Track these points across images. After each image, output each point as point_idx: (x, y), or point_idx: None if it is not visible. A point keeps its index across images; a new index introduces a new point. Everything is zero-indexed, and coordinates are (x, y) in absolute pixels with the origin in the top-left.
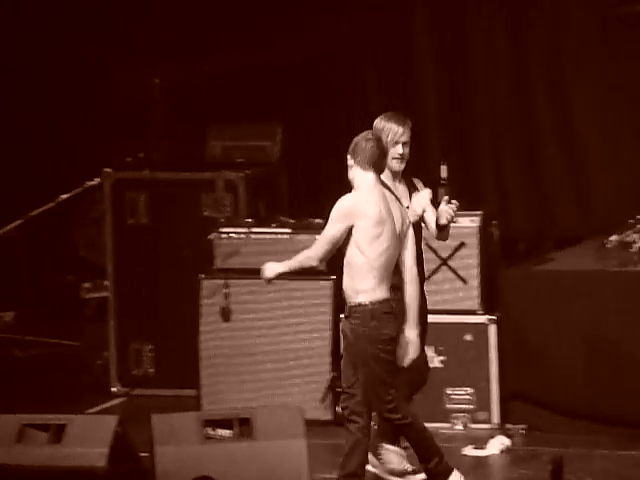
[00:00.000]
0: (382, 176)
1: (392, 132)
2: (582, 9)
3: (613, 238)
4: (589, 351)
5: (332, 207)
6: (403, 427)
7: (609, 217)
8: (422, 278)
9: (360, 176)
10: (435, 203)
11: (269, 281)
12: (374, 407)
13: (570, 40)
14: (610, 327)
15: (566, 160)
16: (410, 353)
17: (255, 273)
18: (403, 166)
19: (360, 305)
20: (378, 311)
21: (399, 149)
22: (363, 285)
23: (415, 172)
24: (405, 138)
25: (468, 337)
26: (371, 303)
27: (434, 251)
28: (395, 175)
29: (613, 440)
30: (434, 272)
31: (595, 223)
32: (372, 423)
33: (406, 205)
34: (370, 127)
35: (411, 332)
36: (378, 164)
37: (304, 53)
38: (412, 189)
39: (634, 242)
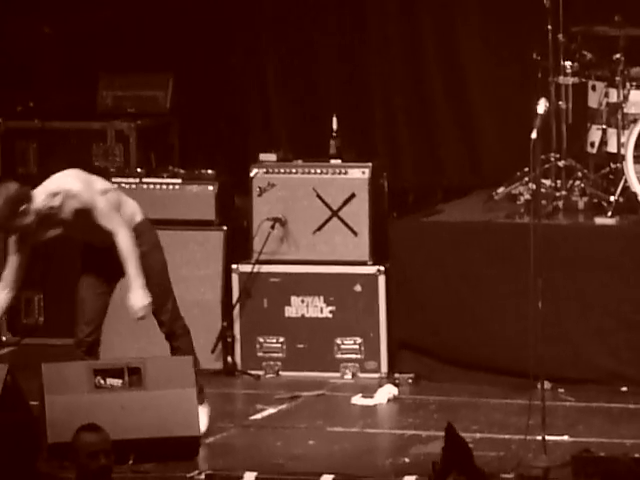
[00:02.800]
0: None
1: None
2: None
3: (501, 190)
4: (475, 301)
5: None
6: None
7: (497, 170)
8: None
9: None
10: None
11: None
12: None
13: None
14: (496, 278)
15: (455, 113)
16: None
17: None
18: None
19: None
20: None
21: None
22: None
23: (307, 125)
24: None
25: (357, 288)
26: None
27: (325, 202)
28: None
29: (498, 389)
30: (324, 223)
31: (483, 175)
32: None
33: None
34: (262, 75)
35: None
36: None
37: (194, 1)
38: None
39: (521, 194)
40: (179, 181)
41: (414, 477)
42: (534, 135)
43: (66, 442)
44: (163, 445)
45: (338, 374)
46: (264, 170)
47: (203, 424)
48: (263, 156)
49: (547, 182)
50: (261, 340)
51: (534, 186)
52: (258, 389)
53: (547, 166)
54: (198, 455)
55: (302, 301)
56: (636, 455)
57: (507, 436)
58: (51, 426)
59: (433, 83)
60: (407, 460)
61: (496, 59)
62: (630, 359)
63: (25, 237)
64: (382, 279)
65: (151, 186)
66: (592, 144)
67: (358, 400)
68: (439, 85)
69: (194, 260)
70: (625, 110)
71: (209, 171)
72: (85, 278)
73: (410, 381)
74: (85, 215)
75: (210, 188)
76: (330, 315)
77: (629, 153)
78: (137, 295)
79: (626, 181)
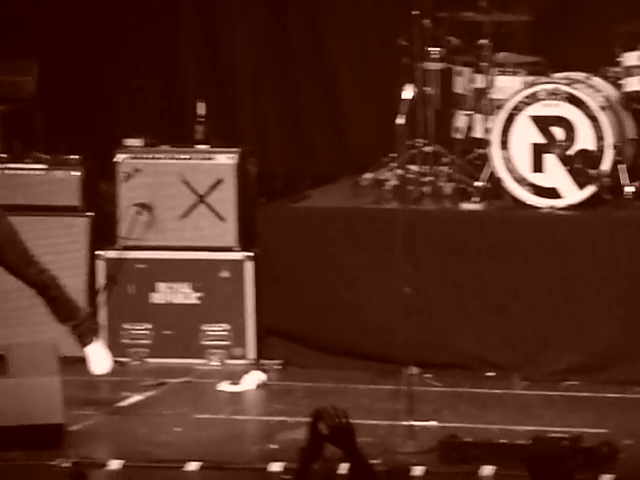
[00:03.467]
0: None
1: None
2: None
3: (367, 176)
4: (343, 287)
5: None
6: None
7: (364, 155)
8: None
9: None
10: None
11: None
12: None
13: None
14: (364, 263)
15: (323, 99)
16: None
17: (10, 209)
18: None
19: None
20: None
21: None
22: None
23: (172, 109)
24: None
25: (225, 274)
26: None
27: (191, 188)
28: None
29: (366, 375)
30: (191, 209)
31: (351, 161)
32: None
33: None
34: (128, 60)
35: None
36: None
37: None
38: None
39: (387, 180)
40: (44, 167)
41: (281, 463)
42: (400, 121)
43: None
44: (27, 433)
45: (204, 361)
46: (130, 155)
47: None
48: (128, 141)
49: (414, 168)
50: (127, 327)
51: (401, 172)
52: (124, 376)
53: (414, 152)
54: (63, 443)
55: (169, 287)
56: (502, 440)
57: (375, 422)
58: None
59: (300, 69)
60: (275, 446)
61: (363, 45)
62: (496, 344)
63: None
64: (249, 265)
65: (15, 172)
66: (458, 130)
67: (225, 387)
68: (306, 71)
69: (58, 246)
70: (491, 96)
71: (74, 157)
72: None
73: (278, 367)
74: None
75: (75, 174)
76: (197, 301)
77: (495, 138)
78: None
79: (492, 166)
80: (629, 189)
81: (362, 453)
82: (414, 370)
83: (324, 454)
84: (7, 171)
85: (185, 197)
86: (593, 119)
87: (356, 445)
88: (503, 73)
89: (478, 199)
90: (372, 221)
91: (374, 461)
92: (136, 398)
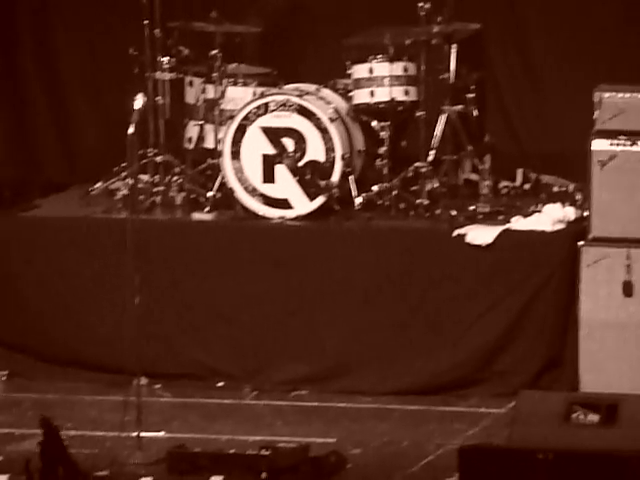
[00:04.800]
0: None
1: None
2: None
3: (98, 185)
4: (73, 298)
5: None
6: None
7: (96, 165)
8: None
9: None
10: None
11: None
12: None
13: None
14: (94, 274)
15: (52, 108)
16: None
17: None
18: None
19: None
20: None
21: None
22: None
23: None
24: None
25: None
26: None
27: None
28: None
29: (95, 386)
30: None
31: (81, 171)
32: None
33: None
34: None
35: None
36: None
37: None
38: None
39: (118, 189)
40: None
41: (6, 476)
42: (131, 130)
43: None
44: None
45: None
46: None
47: None
48: None
49: (145, 177)
50: None
51: (131, 181)
52: None
53: (145, 161)
54: None
55: None
56: (231, 450)
57: (102, 433)
58: None
59: (29, 78)
60: (0, 458)
61: (92, 54)
62: (225, 354)
63: None
64: None
65: None
66: (190, 140)
67: None
68: (35, 80)
69: None
70: (222, 106)
71: None
72: None
73: (4, 378)
74: None
75: None
76: None
77: (226, 149)
78: None
79: (223, 177)
80: (358, 200)
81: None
82: (143, 381)
83: None
84: None
85: None
86: (323, 131)
87: (67, 453)
88: (234, 84)
89: (209, 209)
90: (102, 231)
91: (101, 473)
92: None
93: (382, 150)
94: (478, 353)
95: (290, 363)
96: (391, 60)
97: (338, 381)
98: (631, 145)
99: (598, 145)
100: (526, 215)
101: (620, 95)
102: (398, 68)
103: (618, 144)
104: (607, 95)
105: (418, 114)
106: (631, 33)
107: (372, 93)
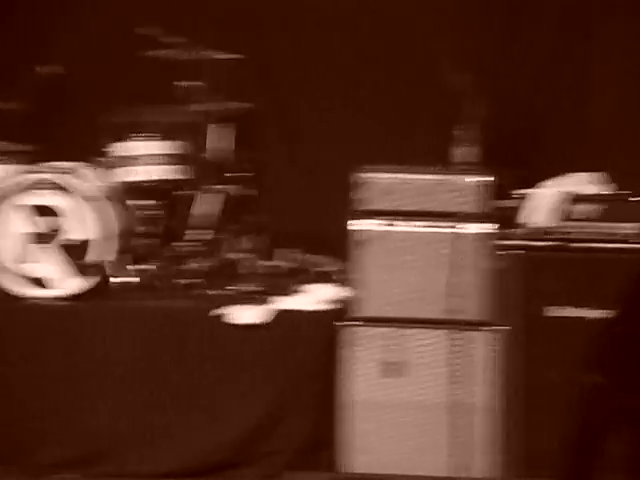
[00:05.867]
0: None
1: None
2: None
3: None
4: None
5: None
6: None
7: None
8: None
9: None
10: None
11: None
12: None
13: None
14: None
15: None
16: None
17: None
18: None
19: None
20: None
21: None
22: None
23: None
24: None
25: None
26: None
27: None
28: None
29: None
30: None
31: None
32: None
33: None
34: None
35: None
36: None
37: None
38: None
39: None
40: None
41: None
42: None
43: None
44: None
45: None
46: None
47: None
48: None
49: None
50: None
51: None
52: None
53: None
54: None
55: None
56: None
57: None
58: None
59: None
60: None
61: None
62: None
63: None
64: None
65: None
66: None
67: None
68: None
69: None
70: None
71: None
72: None
73: None
74: None
75: None
76: None
77: None
78: None
79: None
80: (115, 280)
81: None
82: None
83: None
84: None
85: None
86: (82, 209)
87: None
88: None
89: None
90: None
91: None
92: None
93: (143, 229)
94: (244, 433)
95: (56, 445)
96: (152, 139)
97: (101, 464)
98: (389, 225)
99: (357, 225)
100: (289, 294)
101: (380, 175)
102: (160, 146)
103: (378, 224)
104: (368, 175)
105: (181, 193)
106: (394, 117)
107: (133, 172)
